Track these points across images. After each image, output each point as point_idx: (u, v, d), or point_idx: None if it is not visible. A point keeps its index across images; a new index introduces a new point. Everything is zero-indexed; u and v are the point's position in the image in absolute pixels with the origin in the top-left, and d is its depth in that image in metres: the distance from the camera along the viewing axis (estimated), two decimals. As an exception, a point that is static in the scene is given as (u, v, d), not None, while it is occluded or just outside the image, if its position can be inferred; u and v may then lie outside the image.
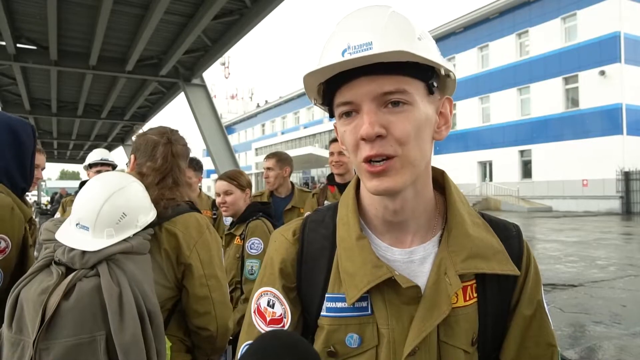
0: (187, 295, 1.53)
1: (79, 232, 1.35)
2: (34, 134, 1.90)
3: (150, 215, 1.47)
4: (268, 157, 3.82)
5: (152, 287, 1.36)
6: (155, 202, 1.54)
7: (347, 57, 0.70)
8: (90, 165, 4.02)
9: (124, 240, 1.36)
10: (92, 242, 1.32)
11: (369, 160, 0.74)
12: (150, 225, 1.48)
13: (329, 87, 0.78)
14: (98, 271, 1.28)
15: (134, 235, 1.39)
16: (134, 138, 1.79)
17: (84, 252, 1.30)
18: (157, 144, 1.67)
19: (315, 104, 0.86)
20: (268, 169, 3.74)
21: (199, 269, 1.52)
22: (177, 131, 1.78)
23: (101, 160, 4.06)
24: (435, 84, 0.78)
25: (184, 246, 1.51)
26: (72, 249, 1.31)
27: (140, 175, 1.60)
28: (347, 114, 0.76)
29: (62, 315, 1.20)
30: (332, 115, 0.83)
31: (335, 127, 0.87)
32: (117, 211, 1.36)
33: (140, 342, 1.24)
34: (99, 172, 3.87)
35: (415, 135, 0.74)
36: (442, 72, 0.77)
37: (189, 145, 1.81)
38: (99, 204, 1.35)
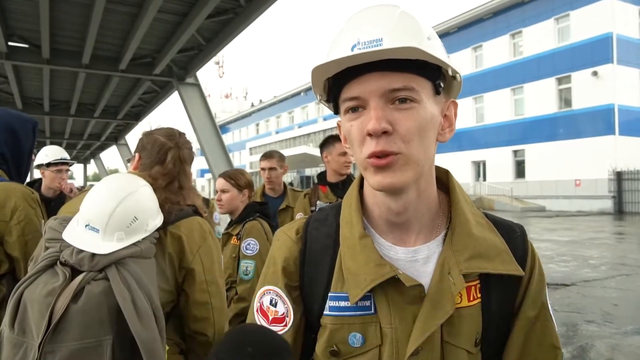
0: (187, 300, 1.52)
1: (89, 234, 1.31)
2: (34, 132, 1.93)
3: (158, 219, 1.45)
4: (268, 156, 3.70)
5: (156, 290, 1.34)
6: (161, 205, 1.52)
7: (357, 51, 0.70)
8: (48, 165, 3.72)
9: (134, 244, 1.34)
10: (102, 244, 1.30)
11: (373, 156, 0.74)
12: (156, 229, 1.46)
13: (336, 82, 0.78)
14: (106, 274, 1.26)
15: (142, 239, 1.37)
16: (135, 136, 1.78)
17: (93, 255, 1.27)
18: (164, 146, 1.65)
19: (319, 101, 0.86)
20: (271, 168, 3.65)
21: (200, 275, 1.52)
22: (184, 134, 1.76)
23: (62, 159, 3.80)
24: (442, 85, 0.78)
25: (187, 250, 1.50)
26: (80, 251, 1.28)
27: (148, 178, 1.57)
28: (354, 109, 0.76)
29: (70, 319, 1.18)
30: (336, 112, 0.83)
31: (338, 125, 0.86)
32: (129, 215, 1.34)
33: (160, 340, 1.24)
34: (59, 171, 3.73)
35: (420, 133, 0.74)
36: (450, 72, 0.78)
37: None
38: (111, 206, 1.33)
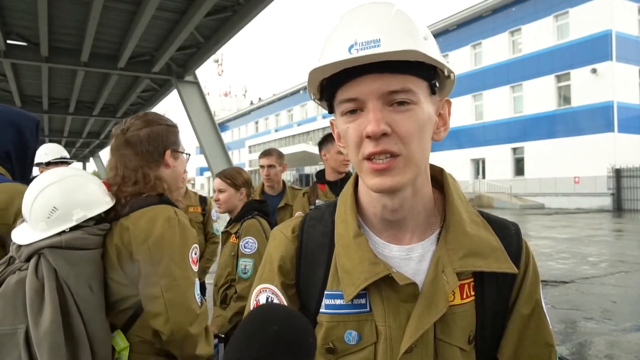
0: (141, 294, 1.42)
1: (23, 227, 1.39)
2: (37, 130, 1.91)
3: (93, 210, 1.41)
4: (267, 154, 3.70)
5: (94, 283, 1.34)
6: (117, 198, 1.49)
7: (355, 54, 0.70)
8: (48, 164, 3.71)
9: (57, 234, 1.34)
10: (27, 235, 1.35)
11: (371, 157, 0.74)
12: (108, 220, 1.44)
13: (331, 82, 0.77)
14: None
15: (70, 229, 1.35)
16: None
17: (20, 246, 1.34)
18: (112, 136, 1.62)
19: (313, 99, 0.86)
20: (270, 166, 3.65)
21: (147, 266, 1.39)
22: (150, 113, 1.65)
23: (61, 158, 3.80)
24: (437, 85, 0.78)
25: (133, 241, 1.41)
26: (14, 243, 1.36)
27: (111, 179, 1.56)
28: (352, 111, 0.76)
29: None
30: (331, 111, 0.82)
31: (332, 123, 0.86)
32: (48, 205, 1.35)
33: (58, 336, 1.23)
34: None
35: (418, 134, 0.74)
36: (445, 72, 0.78)
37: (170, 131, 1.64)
38: (31, 198, 1.37)
